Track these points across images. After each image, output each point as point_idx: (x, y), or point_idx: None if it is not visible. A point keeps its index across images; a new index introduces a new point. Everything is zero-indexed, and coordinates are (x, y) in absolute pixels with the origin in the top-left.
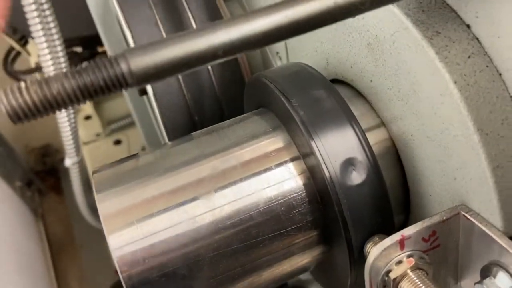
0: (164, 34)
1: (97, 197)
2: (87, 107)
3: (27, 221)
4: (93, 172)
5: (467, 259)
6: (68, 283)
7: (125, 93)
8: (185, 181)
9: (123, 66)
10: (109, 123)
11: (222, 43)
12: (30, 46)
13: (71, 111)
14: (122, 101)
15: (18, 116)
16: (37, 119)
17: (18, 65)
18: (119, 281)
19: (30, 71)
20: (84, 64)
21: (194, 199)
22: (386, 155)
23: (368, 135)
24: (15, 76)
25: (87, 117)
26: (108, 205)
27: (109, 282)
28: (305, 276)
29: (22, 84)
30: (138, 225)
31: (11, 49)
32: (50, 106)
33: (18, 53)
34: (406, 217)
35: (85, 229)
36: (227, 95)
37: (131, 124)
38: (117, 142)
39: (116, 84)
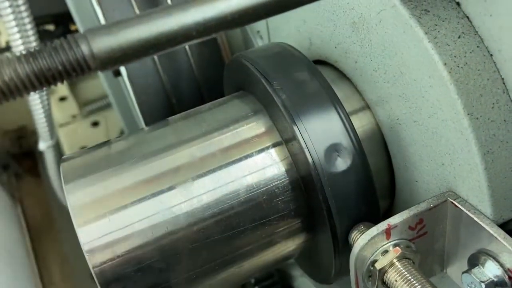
0: (137, 11)
1: (65, 188)
2: (62, 88)
3: (4, 206)
4: (61, 161)
5: (454, 246)
6: (49, 267)
7: (100, 74)
8: (161, 169)
9: (84, 48)
10: (85, 104)
11: (195, 22)
12: (0, 24)
13: (44, 92)
14: (98, 81)
15: None
16: None
17: None
18: None
19: (1, 50)
20: (39, 46)
21: (170, 188)
22: (371, 140)
23: (352, 118)
24: None
25: (62, 98)
26: (77, 196)
27: None
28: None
29: None
30: (111, 217)
31: None
32: (2, 93)
33: None
34: (391, 202)
35: (65, 212)
36: (206, 77)
37: (109, 105)
38: (95, 124)
39: (77, 69)
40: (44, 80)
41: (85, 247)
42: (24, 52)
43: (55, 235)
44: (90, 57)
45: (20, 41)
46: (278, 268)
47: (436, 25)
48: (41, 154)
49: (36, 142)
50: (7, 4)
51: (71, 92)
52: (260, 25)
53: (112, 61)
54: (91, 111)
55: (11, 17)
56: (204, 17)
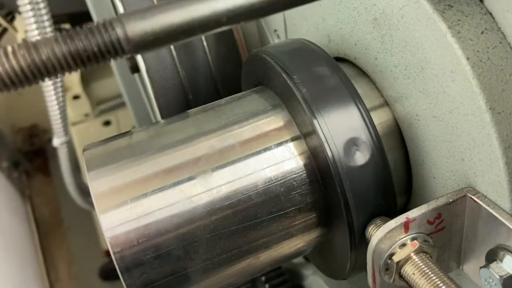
0: None
1: (88, 175)
2: (76, 86)
3: (14, 202)
4: (84, 149)
5: (471, 242)
6: (56, 265)
7: (115, 72)
8: (181, 160)
9: (119, 31)
10: (98, 103)
11: (226, 9)
12: (17, 22)
13: (60, 89)
14: (112, 80)
15: (4, 83)
16: (24, 87)
17: (5, 42)
18: (108, 263)
19: None
20: (76, 28)
21: (190, 178)
22: (389, 136)
23: (371, 115)
24: None
25: (76, 97)
26: (100, 183)
27: (97, 264)
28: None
29: (9, 48)
30: (132, 204)
31: None
32: (39, 72)
33: (5, 30)
34: (407, 200)
35: (73, 211)
36: (223, 74)
37: (121, 104)
38: (107, 123)
39: (111, 51)
40: (79, 60)
41: (106, 233)
42: (61, 33)
43: (63, 234)
44: (125, 40)
45: (36, 32)
46: (288, 267)
47: (460, 20)
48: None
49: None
50: (27, 1)
51: (84, 91)
52: (278, 23)
53: (145, 44)
54: (103, 110)
55: (31, 13)
56: (234, 4)
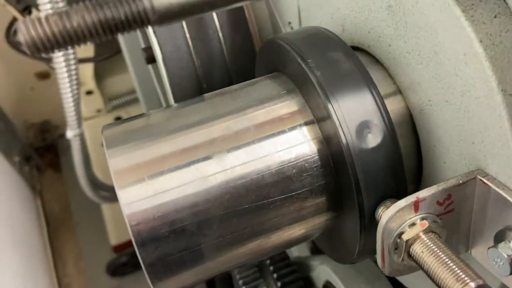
0: None
1: (107, 153)
2: (89, 82)
3: (24, 197)
4: (103, 129)
5: (480, 225)
6: (65, 260)
7: (129, 66)
8: (197, 140)
9: (146, 2)
10: (110, 99)
11: None
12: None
13: (75, 81)
14: (124, 77)
15: (37, 47)
16: (54, 52)
17: None
18: (116, 259)
19: None
20: None
21: (206, 158)
22: (401, 124)
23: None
24: (18, 47)
25: (89, 92)
26: (118, 160)
27: (105, 260)
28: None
29: (42, 15)
30: (149, 181)
31: (14, 20)
32: (70, 38)
33: None
34: (417, 188)
35: (82, 207)
36: (237, 64)
37: (133, 101)
38: (118, 119)
39: (138, 21)
40: (107, 29)
41: (124, 208)
42: (91, 2)
43: (72, 229)
44: (151, 10)
45: None
46: (295, 260)
47: (473, 4)
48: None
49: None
50: None
51: (97, 86)
52: (292, 15)
53: (170, 15)
54: (115, 106)
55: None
56: None
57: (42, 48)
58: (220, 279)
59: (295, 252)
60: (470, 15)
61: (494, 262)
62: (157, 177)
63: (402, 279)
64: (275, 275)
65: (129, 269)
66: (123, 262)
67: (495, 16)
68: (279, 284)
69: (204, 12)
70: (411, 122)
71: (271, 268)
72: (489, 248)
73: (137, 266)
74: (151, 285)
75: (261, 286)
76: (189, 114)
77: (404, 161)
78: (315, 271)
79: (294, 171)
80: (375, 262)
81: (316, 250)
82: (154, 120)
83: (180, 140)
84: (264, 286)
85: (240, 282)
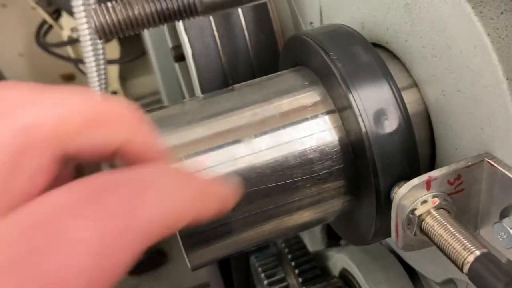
0: None
1: None
2: (114, 82)
3: None
4: None
5: (488, 205)
6: None
7: (155, 65)
8: (228, 125)
9: None
10: (134, 100)
11: None
12: (62, 20)
13: (103, 81)
14: (148, 78)
15: (104, 32)
16: (119, 36)
17: (50, 38)
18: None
19: (62, 44)
20: None
21: (236, 141)
22: (417, 114)
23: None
24: (47, 49)
25: (113, 93)
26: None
27: None
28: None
29: (109, 4)
30: (186, 161)
31: (44, 22)
32: (131, 25)
33: (51, 27)
34: None
35: None
36: (261, 61)
37: (156, 102)
38: None
39: (187, 11)
40: (162, 17)
41: None
42: None
43: None
44: (199, 1)
45: (87, 31)
46: (313, 252)
47: (482, 1)
48: None
49: None
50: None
51: (121, 87)
52: (313, 15)
53: (214, 6)
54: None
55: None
56: None
57: (109, 33)
58: (236, 267)
59: (310, 248)
60: (479, 11)
61: (499, 236)
62: (193, 158)
63: (415, 264)
64: (293, 263)
65: (148, 267)
66: (142, 260)
67: (501, 13)
68: (296, 271)
69: (243, 5)
70: (425, 112)
71: (289, 256)
72: (494, 223)
73: (156, 265)
74: (185, 255)
75: (279, 274)
76: (220, 102)
77: (418, 148)
78: (332, 260)
79: (316, 154)
80: (390, 249)
81: (331, 245)
82: (187, 107)
83: (212, 125)
84: (282, 274)
85: (260, 269)
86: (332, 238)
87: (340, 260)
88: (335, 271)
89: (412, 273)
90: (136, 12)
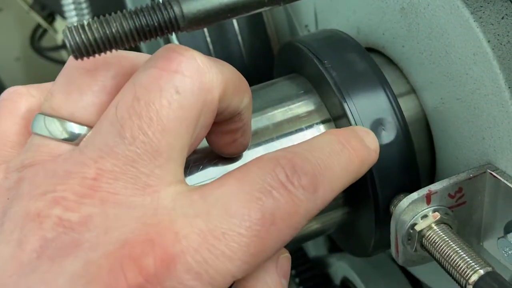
0: None
1: None
2: None
3: None
4: None
5: (491, 218)
6: None
7: None
8: None
9: (176, 9)
10: None
11: None
12: (57, 23)
13: None
14: None
15: (80, 51)
16: (95, 56)
17: (45, 42)
18: None
19: (57, 47)
20: (139, 6)
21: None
22: (415, 122)
23: (398, 101)
24: (42, 53)
25: None
26: None
27: None
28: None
29: (85, 22)
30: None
31: (38, 26)
32: (109, 43)
33: (45, 31)
34: (431, 183)
35: None
36: (255, 66)
37: None
38: None
39: (169, 27)
40: (142, 34)
41: None
42: (128, 11)
43: None
44: (181, 17)
45: None
46: (314, 258)
47: (482, 6)
48: None
49: None
50: (70, 1)
51: None
52: (308, 18)
53: (197, 21)
54: None
55: (74, 13)
56: None
57: (85, 52)
58: None
59: (313, 252)
60: (478, 16)
61: (503, 252)
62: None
63: (417, 274)
64: (293, 272)
65: None
66: None
67: (502, 18)
68: (297, 280)
69: (228, 19)
70: (424, 120)
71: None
72: (498, 238)
73: None
74: None
75: None
76: None
77: (418, 157)
78: (333, 268)
79: None
80: (392, 258)
81: (333, 249)
82: None
83: None
84: None
85: None
86: (335, 241)
87: (341, 268)
88: (336, 279)
89: (414, 281)
90: (113, 30)
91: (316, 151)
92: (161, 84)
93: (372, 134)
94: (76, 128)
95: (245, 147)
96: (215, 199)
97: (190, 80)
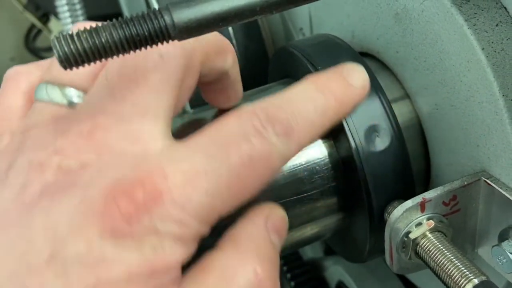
0: None
1: None
2: None
3: None
4: None
5: (486, 225)
6: None
7: None
8: None
9: (167, 18)
10: None
11: (259, 0)
12: (51, 24)
13: None
14: None
15: (69, 61)
16: (84, 66)
17: (40, 43)
18: None
19: (52, 48)
20: (129, 16)
21: None
22: (409, 128)
23: (392, 106)
24: (37, 53)
25: None
26: None
27: None
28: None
29: (74, 31)
30: None
31: (33, 26)
32: (99, 53)
33: (40, 31)
34: (425, 189)
35: None
36: (250, 70)
37: None
38: None
39: (160, 36)
40: (132, 44)
41: None
42: (118, 20)
43: None
44: (172, 26)
45: None
46: (308, 261)
47: (476, 13)
48: None
49: None
50: (64, 2)
51: None
52: (303, 21)
53: (188, 31)
54: None
55: (67, 14)
56: None
57: (74, 63)
58: None
59: (309, 253)
60: (472, 23)
61: (498, 260)
62: None
63: (414, 279)
64: (288, 275)
65: None
66: None
67: (496, 25)
68: (292, 284)
69: (220, 28)
70: (418, 125)
71: (284, 268)
72: (493, 246)
73: None
74: None
75: None
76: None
77: (412, 163)
78: (328, 271)
79: (305, 173)
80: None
81: (329, 251)
82: (173, 126)
83: None
84: None
85: None
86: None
87: (336, 272)
88: (332, 283)
89: (409, 285)
90: (103, 40)
91: (291, 99)
92: (146, 51)
93: (358, 69)
94: (75, 93)
95: (239, 99)
96: (198, 144)
97: (173, 46)
